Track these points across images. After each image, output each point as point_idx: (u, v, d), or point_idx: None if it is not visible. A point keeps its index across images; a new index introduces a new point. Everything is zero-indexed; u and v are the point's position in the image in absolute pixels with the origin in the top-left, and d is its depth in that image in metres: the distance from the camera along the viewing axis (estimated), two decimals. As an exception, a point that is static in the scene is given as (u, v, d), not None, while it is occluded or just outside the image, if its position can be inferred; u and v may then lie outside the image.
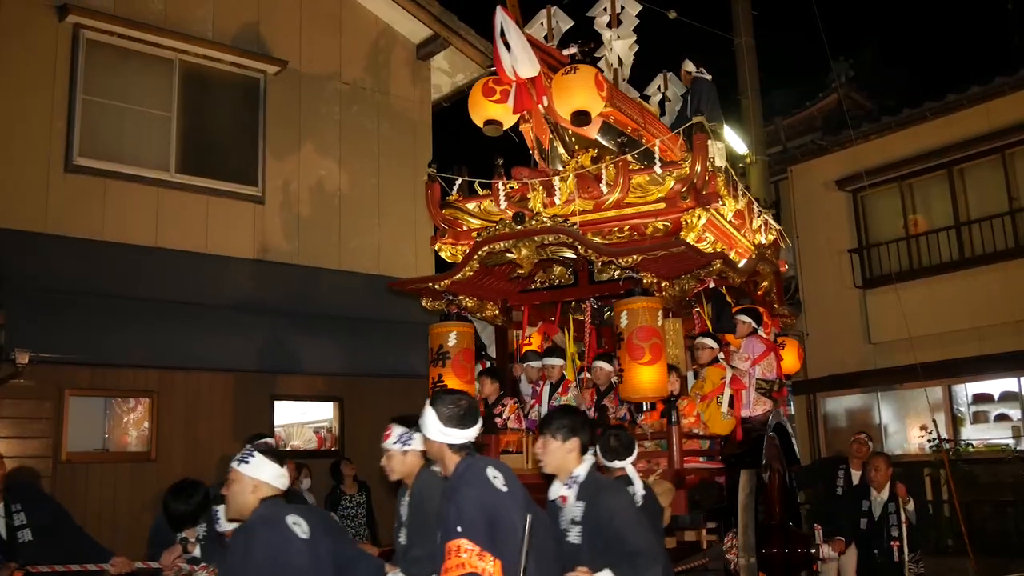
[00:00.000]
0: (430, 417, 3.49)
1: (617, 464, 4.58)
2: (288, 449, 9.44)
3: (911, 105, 13.11)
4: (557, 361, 7.04)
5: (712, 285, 6.50)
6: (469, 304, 6.99)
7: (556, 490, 3.83)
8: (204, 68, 9.61)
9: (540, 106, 6.33)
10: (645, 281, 5.98)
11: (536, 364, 7.15)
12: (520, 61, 5.91)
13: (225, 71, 9.77)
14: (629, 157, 6.30)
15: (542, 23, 7.39)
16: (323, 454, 9.41)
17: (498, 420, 6.80)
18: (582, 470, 3.81)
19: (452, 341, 6.65)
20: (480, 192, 7.02)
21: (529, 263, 6.13)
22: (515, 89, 6.07)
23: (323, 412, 9.98)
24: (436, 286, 6.62)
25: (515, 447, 6.48)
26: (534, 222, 6.03)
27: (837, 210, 14.06)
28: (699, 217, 6.16)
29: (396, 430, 4.12)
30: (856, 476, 7.79)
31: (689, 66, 8.29)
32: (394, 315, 9.59)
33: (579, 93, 6.03)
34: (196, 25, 9.60)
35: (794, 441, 7.54)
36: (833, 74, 14.94)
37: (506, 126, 6.48)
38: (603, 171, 6.40)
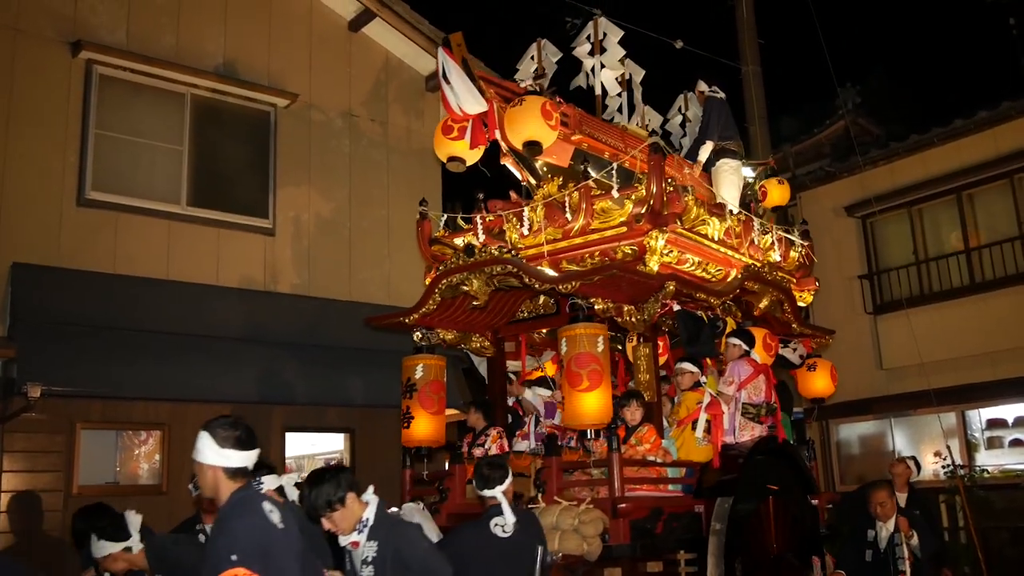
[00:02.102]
0: (205, 441, 3.26)
1: (489, 493, 4.61)
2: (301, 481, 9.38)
3: (918, 131, 13.09)
4: (544, 392, 7.02)
5: (678, 307, 6.42)
6: (448, 337, 7.08)
7: (345, 538, 3.85)
8: (215, 102, 9.72)
9: (494, 139, 6.47)
10: (598, 307, 5.99)
11: (528, 396, 7.12)
12: (464, 99, 6.13)
13: (236, 105, 9.88)
14: (591, 183, 6.34)
15: (532, 56, 7.47)
16: (334, 485, 9.34)
17: (480, 450, 6.79)
18: (369, 513, 3.88)
19: (419, 373, 6.77)
20: (465, 227, 7.10)
21: (483, 294, 6.22)
22: (470, 125, 6.24)
23: (334, 443, 9.94)
24: (406, 320, 6.74)
25: None
26: (483, 254, 6.13)
27: (846, 236, 14.01)
28: (657, 239, 6.14)
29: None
30: (902, 499, 7.53)
31: (702, 86, 8.33)
32: (405, 346, 9.56)
33: (528, 124, 6.14)
34: (207, 59, 9.74)
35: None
36: (840, 100, 14.99)
37: (469, 162, 6.59)
38: (567, 198, 6.44)
